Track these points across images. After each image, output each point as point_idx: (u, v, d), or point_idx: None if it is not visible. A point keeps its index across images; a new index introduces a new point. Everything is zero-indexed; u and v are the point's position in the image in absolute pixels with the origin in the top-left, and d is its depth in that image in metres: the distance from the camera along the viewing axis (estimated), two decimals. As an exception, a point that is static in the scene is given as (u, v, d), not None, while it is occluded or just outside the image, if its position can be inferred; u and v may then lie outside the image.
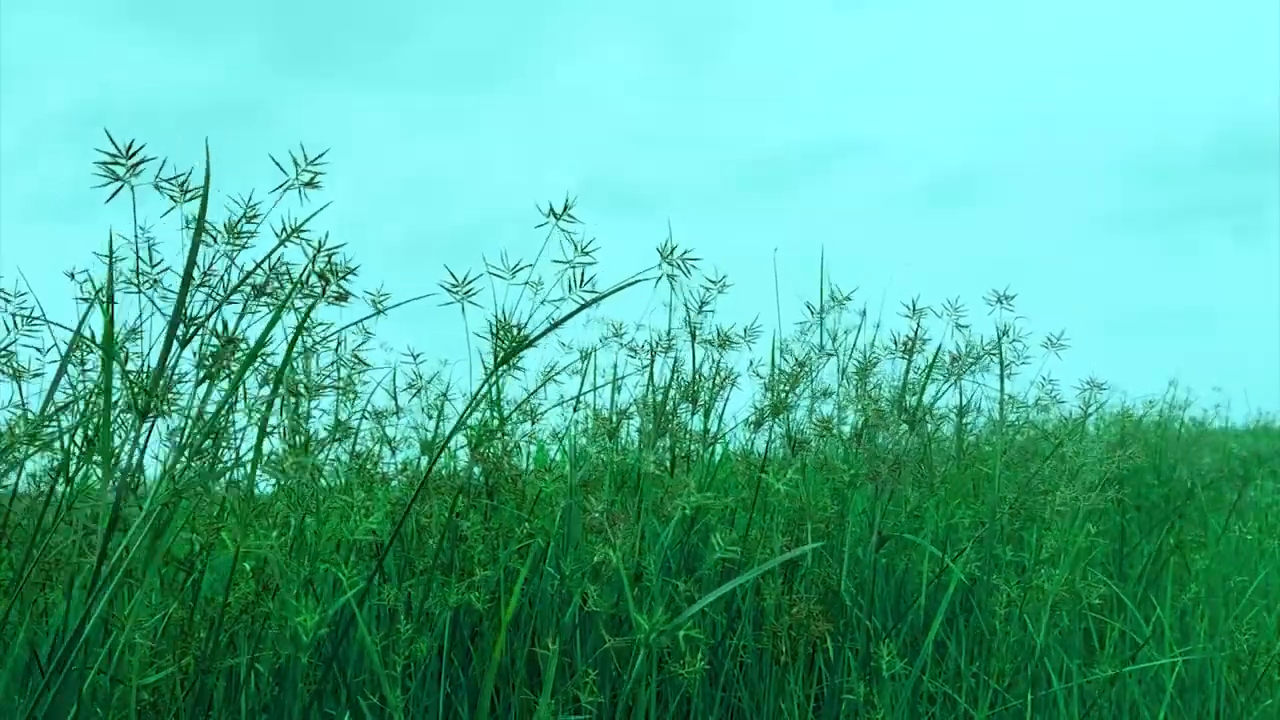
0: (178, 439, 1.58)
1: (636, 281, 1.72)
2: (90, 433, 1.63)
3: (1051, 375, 2.43)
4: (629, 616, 1.99)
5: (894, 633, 2.24)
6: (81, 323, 1.65)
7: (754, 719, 2.16)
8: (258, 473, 1.76)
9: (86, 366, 1.72)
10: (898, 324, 2.42)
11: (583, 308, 1.71)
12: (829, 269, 2.49)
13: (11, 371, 1.71)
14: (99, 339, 1.61)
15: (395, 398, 2.33)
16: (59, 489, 1.72)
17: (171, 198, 1.54)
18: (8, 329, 1.69)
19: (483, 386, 1.79)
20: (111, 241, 1.58)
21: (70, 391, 1.69)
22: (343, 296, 1.66)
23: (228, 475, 1.86)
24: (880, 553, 2.28)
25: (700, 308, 2.18)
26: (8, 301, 1.69)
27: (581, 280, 1.71)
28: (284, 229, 1.59)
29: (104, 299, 1.59)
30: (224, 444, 1.72)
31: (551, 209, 1.75)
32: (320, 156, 1.58)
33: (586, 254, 1.72)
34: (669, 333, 2.29)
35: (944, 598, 2.14)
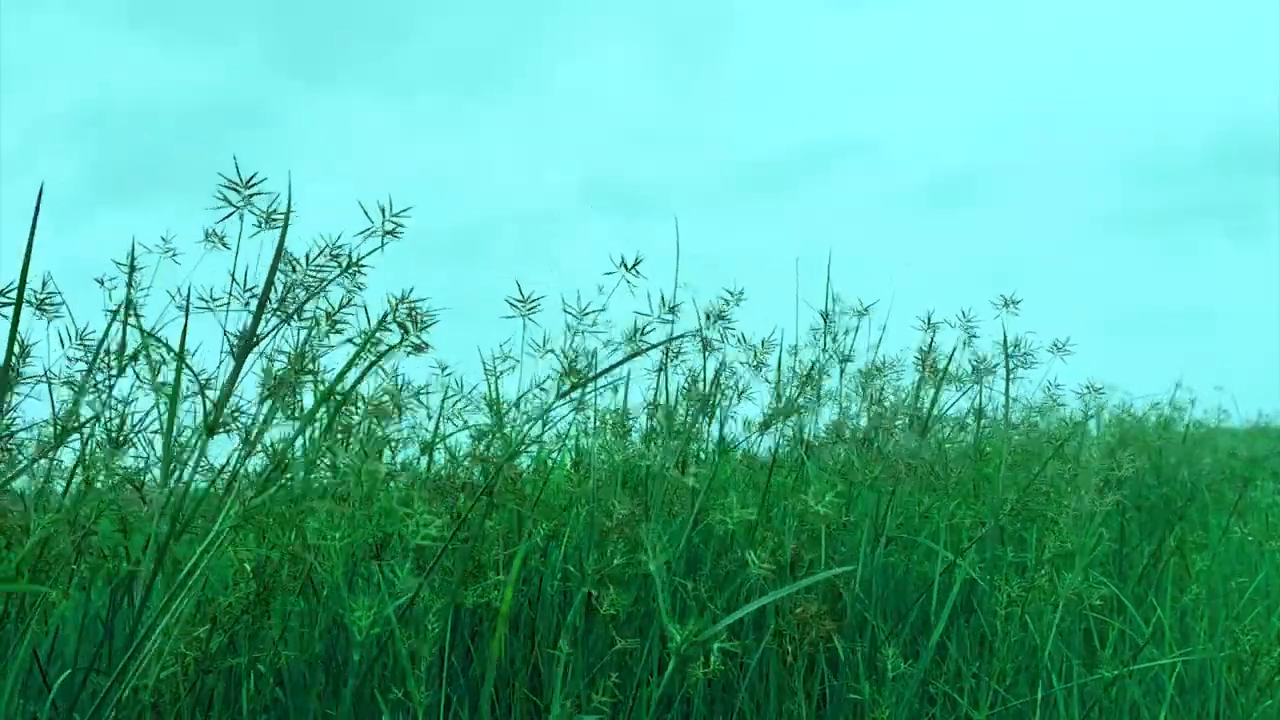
0: (239, 458, 1.63)
1: (682, 338, 1.84)
2: (116, 435, 1.66)
3: (1055, 377, 2.44)
4: (632, 617, 1.99)
5: (896, 633, 2.24)
6: (108, 329, 1.67)
7: (756, 720, 2.16)
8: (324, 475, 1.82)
9: (113, 373, 1.74)
10: (901, 327, 2.43)
11: (635, 355, 1.82)
12: (830, 270, 2.49)
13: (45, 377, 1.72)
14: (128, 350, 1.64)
15: (423, 403, 2.33)
16: (59, 488, 1.72)
17: (258, 222, 1.62)
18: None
19: (545, 411, 1.89)
20: (134, 250, 1.63)
21: (97, 399, 1.71)
22: (421, 348, 1.73)
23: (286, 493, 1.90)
24: (883, 553, 2.28)
25: (716, 320, 2.20)
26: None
27: (642, 332, 1.81)
28: (349, 263, 1.66)
29: (128, 313, 1.62)
30: (290, 471, 1.78)
31: (623, 261, 1.84)
32: (405, 211, 1.67)
33: (673, 311, 1.84)
34: (680, 338, 2.29)
35: (948, 598, 2.14)
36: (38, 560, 1.69)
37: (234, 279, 1.64)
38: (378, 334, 1.68)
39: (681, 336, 1.88)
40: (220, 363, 1.63)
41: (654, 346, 1.84)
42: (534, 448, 2.46)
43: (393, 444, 2.38)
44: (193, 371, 1.61)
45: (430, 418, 2.27)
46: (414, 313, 1.70)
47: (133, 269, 1.67)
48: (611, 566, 1.92)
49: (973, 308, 2.34)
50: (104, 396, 1.70)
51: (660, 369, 2.31)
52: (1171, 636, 2.45)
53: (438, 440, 2.29)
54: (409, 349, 1.72)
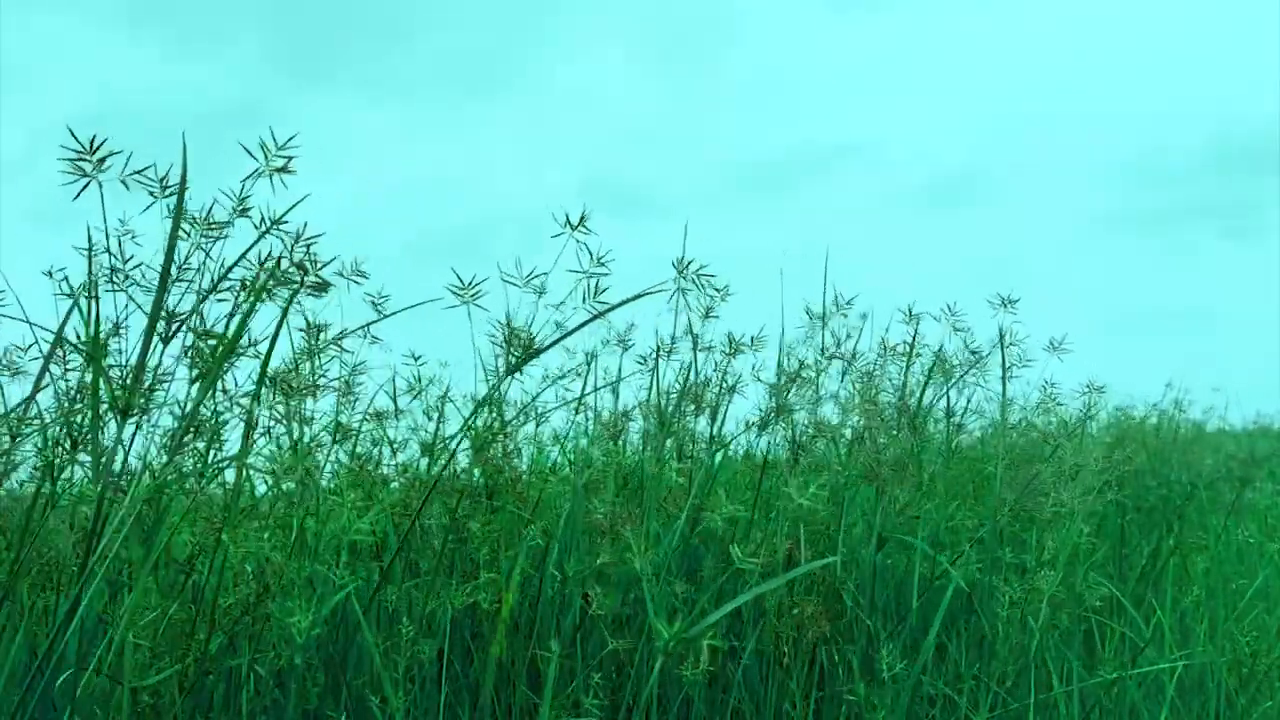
0: (161, 437, 1.57)
1: (648, 294, 1.74)
2: (72, 432, 1.62)
3: (1052, 376, 2.44)
4: (632, 618, 1.99)
5: (894, 634, 2.24)
6: (64, 322, 1.63)
7: (755, 721, 2.16)
8: (255, 471, 1.76)
9: (67, 366, 1.70)
10: (898, 327, 2.43)
11: (593, 318, 1.72)
12: (830, 270, 2.49)
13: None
14: (82, 338, 1.60)
15: (395, 399, 2.33)
16: (44, 489, 1.71)
17: (150, 193, 1.53)
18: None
19: (490, 392, 1.79)
20: (90, 238, 1.57)
21: (53, 391, 1.68)
22: (321, 286, 1.64)
23: (219, 475, 1.84)
24: (880, 554, 2.28)
25: (705, 314, 2.18)
26: None
27: (595, 291, 1.72)
28: (263, 220, 1.58)
29: (85, 296, 1.58)
30: (213, 442, 1.70)
31: (568, 219, 1.74)
32: (289, 141, 1.56)
33: (602, 264, 1.73)
34: (673, 337, 2.29)
35: (943, 599, 2.14)
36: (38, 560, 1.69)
37: (112, 255, 1.54)
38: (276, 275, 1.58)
39: (648, 293, 1.76)
40: (134, 344, 1.56)
41: (612, 308, 1.74)
42: (529, 448, 2.46)
43: (394, 444, 2.38)
44: (94, 358, 1.53)
45: (405, 413, 2.25)
46: (310, 253, 1.60)
47: (91, 256, 1.61)
48: (596, 566, 1.91)
49: (972, 307, 2.34)
50: (63, 390, 1.66)
51: (652, 368, 2.31)
52: (1171, 637, 2.44)
53: (438, 441, 2.29)
54: (309, 290, 1.63)
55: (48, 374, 1.66)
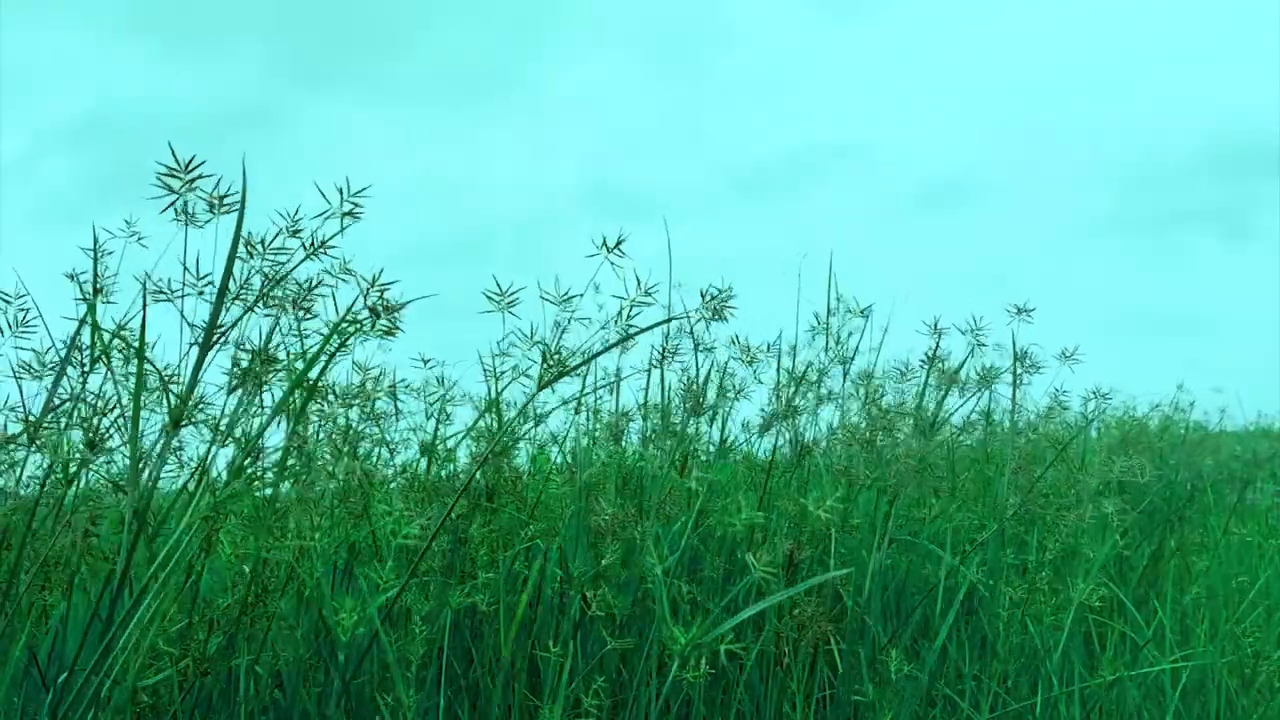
0: (214, 450, 1.60)
1: (675, 319, 1.78)
2: (90, 435, 1.63)
3: (1055, 380, 2.44)
4: (631, 619, 1.98)
5: (898, 636, 2.24)
6: (81, 323, 1.64)
7: (756, 722, 2.16)
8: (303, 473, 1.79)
9: (86, 369, 1.71)
10: (902, 330, 2.43)
11: (622, 340, 1.77)
12: (826, 272, 2.49)
13: (13, 373, 1.71)
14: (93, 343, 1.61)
15: (396, 401, 2.33)
16: (56, 492, 1.71)
17: (210, 207, 1.57)
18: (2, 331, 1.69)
19: (527, 404, 1.83)
20: (96, 239, 1.59)
21: (69, 393, 1.69)
22: (391, 332, 1.69)
23: (264, 487, 1.88)
24: (884, 556, 2.28)
25: (710, 318, 2.18)
26: (7, 303, 1.69)
27: (627, 315, 1.77)
28: (311, 242, 1.62)
29: (102, 301, 1.59)
30: (262, 460, 1.75)
31: (605, 241, 1.79)
32: (363, 191, 1.62)
33: (649, 295, 1.78)
34: (667, 335, 2.29)
35: (954, 601, 2.14)
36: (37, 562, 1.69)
37: (185, 268, 1.57)
38: (348, 319, 1.63)
39: (673, 319, 1.81)
40: (183, 355, 1.59)
41: (642, 331, 1.79)
42: (529, 446, 2.46)
43: (391, 445, 2.38)
44: (153, 365, 1.57)
45: (405, 414, 2.26)
46: (384, 297, 1.65)
47: (97, 258, 1.63)
48: (601, 568, 1.91)
49: (971, 311, 2.34)
50: (78, 393, 1.68)
51: (654, 366, 2.31)
52: (1172, 638, 2.44)
53: (438, 442, 2.29)
54: (379, 334, 1.67)
55: (65, 376, 1.67)
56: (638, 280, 1.79)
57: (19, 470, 1.68)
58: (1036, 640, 2.15)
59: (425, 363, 2.28)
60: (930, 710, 2.19)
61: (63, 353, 1.65)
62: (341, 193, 1.61)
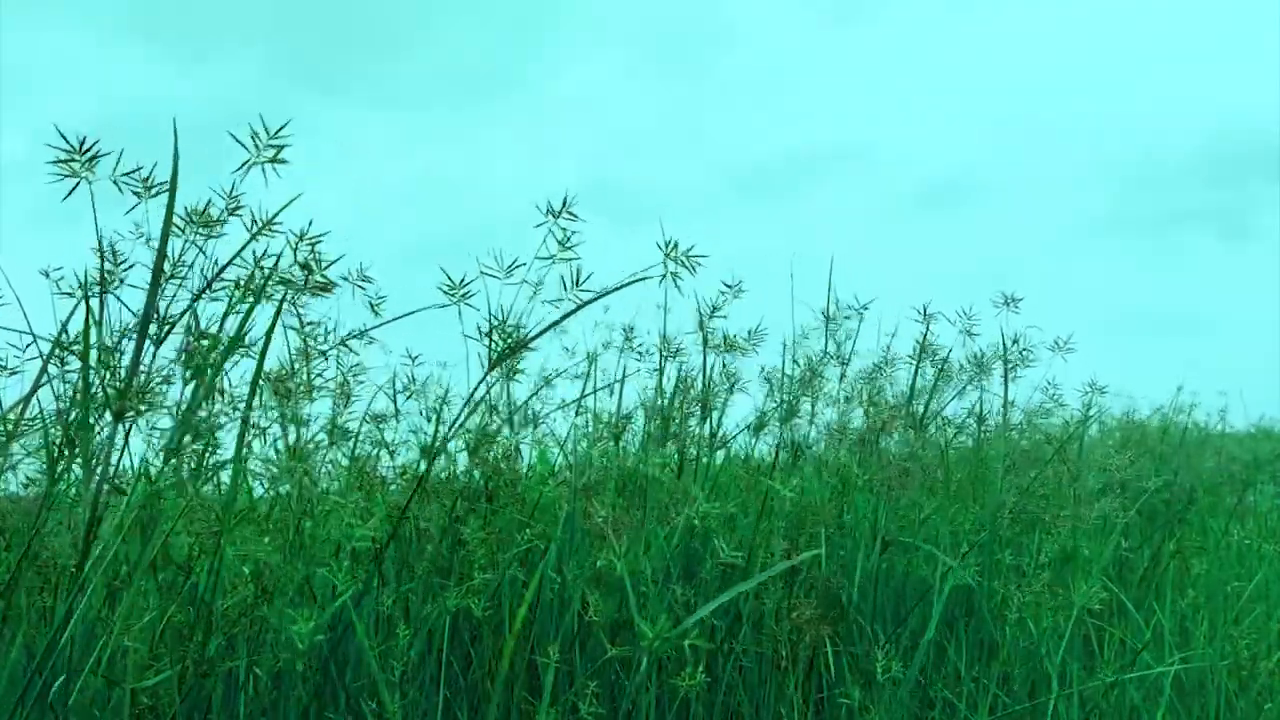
0: (158, 439, 1.56)
1: (638, 280, 1.72)
2: (69, 433, 1.61)
3: (1053, 378, 2.43)
4: (629, 623, 1.98)
5: (894, 637, 2.23)
6: (66, 322, 1.62)
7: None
8: (253, 475, 1.74)
9: (66, 367, 1.69)
10: (900, 329, 2.43)
11: (580, 307, 1.72)
12: (825, 273, 2.49)
13: None
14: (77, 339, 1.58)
15: (395, 400, 2.32)
16: (44, 488, 1.70)
17: (135, 193, 1.51)
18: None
19: (477, 388, 1.78)
20: (100, 238, 1.56)
21: (53, 393, 1.67)
22: (325, 287, 1.63)
23: (214, 477, 1.82)
24: (881, 557, 2.27)
25: (713, 312, 2.17)
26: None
27: (577, 280, 1.71)
28: (254, 221, 1.57)
29: (90, 295, 1.57)
30: (208, 445, 1.68)
31: (550, 207, 1.75)
32: (280, 130, 1.54)
33: (568, 248, 1.71)
34: (677, 338, 2.29)
35: (942, 598, 2.13)
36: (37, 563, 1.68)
37: (102, 255, 1.52)
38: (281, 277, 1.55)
39: (634, 280, 1.73)
40: (118, 342, 1.54)
41: (599, 296, 1.72)
42: (531, 450, 2.46)
43: (391, 447, 2.37)
44: (89, 359, 1.51)
45: (404, 414, 2.24)
46: (315, 253, 1.59)
47: (103, 259, 1.61)
48: (593, 571, 1.90)
49: (970, 309, 2.34)
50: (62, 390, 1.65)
51: (657, 370, 2.30)
52: (1171, 640, 2.43)
53: (438, 442, 2.28)
54: (313, 290, 1.61)
55: (45, 374, 1.65)
56: (560, 241, 1.71)
57: (13, 470, 1.67)
58: (1037, 640, 2.14)
59: (414, 360, 2.27)
60: (929, 712, 2.18)
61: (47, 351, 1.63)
62: (257, 142, 1.51)
